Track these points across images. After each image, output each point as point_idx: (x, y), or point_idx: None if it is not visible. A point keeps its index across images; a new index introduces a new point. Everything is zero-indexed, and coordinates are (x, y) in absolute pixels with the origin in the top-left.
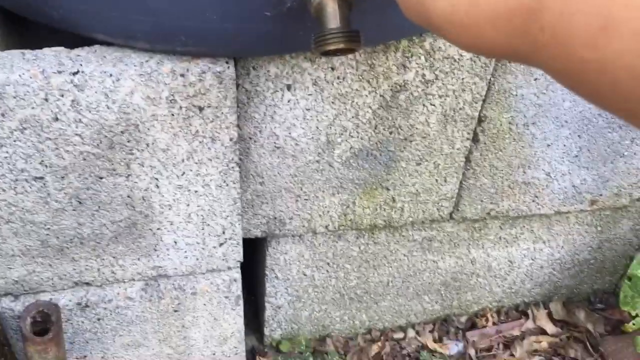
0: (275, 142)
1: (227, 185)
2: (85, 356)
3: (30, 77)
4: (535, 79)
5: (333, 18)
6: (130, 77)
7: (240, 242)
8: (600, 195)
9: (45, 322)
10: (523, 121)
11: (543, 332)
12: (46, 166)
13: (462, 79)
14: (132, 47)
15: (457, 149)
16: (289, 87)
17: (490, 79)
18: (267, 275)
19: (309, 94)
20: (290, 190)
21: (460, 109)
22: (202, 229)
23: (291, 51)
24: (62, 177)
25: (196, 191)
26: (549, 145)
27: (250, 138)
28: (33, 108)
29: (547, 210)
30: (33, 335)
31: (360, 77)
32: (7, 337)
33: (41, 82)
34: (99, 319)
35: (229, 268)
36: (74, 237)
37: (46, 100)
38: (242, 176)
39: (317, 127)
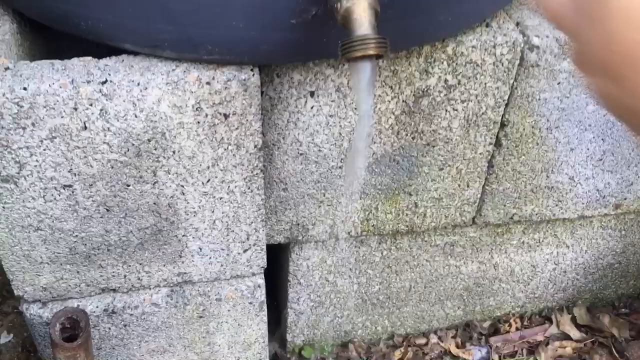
0: (298, 149)
1: (252, 191)
2: None
3: (60, 87)
4: (559, 83)
5: (360, 25)
6: (158, 86)
7: (264, 248)
8: (625, 199)
9: (74, 329)
10: (546, 125)
11: (567, 337)
12: (75, 174)
13: (485, 83)
14: (159, 56)
15: (480, 154)
16: (312, 94)
17: (512, 83)
18: (290, 282)
19: (332, 101)
20: (313, 196)
21: (482, 113)
22: (227, 235)
23: (315, 58)
24: (90, 185)
25: (221, 198)
26: (572, 149)
27: (274, 145)
28: (62, 117)
29: (571, 214)
30: (62, 342)
31: (383, 83)
32: (35, 343)
33: (70, 91)
34: (125, 325)
35: (253, 274)
36: (101, 244)
37: (75, 109)
38: (265, 183)
39: (340, 133)
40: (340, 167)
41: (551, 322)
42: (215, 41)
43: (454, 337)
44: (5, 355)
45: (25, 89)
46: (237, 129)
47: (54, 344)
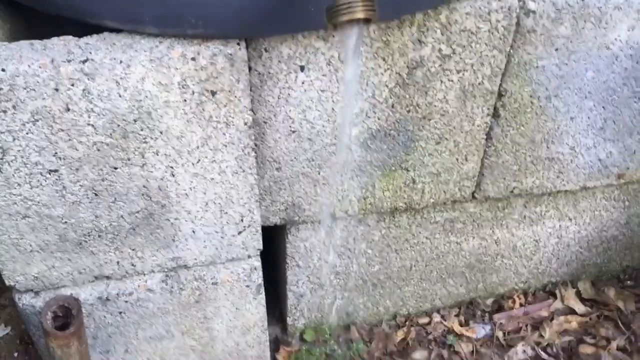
0: (290, 126)
1: (244, 171)
2: (108, 350)
3: (40, 67)
4: (557, 49)
5: None
6: (141, 63)
7: (259, 229)
8: (627, 168)
9: (66, 317)
10: (545, 94)
11: (572, 312)
12: (60, 158)
13: (481, 52)
14: (142, 32)
15: (478, 126)
16: (302, 68)
17: (509, 51)
18: (288, 264)
19: (323, 75)
20: (307, 175)
21: (479, 83)
22: (220, 218)
23: (303, 29)
24: (77, 169)
25: (212, 178)
26: (572, 119)
27: (265, 122)
28: (44, 99)
29: (573, 186)
30: (55, 330)
31: (375, 55)
32: (30, 334)
33: (51, 71)
34: (120, 313)
35: (249, 256)
36: (92, 230)
37: (57, 90)
38: (258, 162)
39: (333, 109)
40: (334, 145)
41: (555, 297)
42: (198, 14)
43: (457, 315)
44: (4, 347)
45: (3, 70)
46: (225, 106)
47: (47, 333)
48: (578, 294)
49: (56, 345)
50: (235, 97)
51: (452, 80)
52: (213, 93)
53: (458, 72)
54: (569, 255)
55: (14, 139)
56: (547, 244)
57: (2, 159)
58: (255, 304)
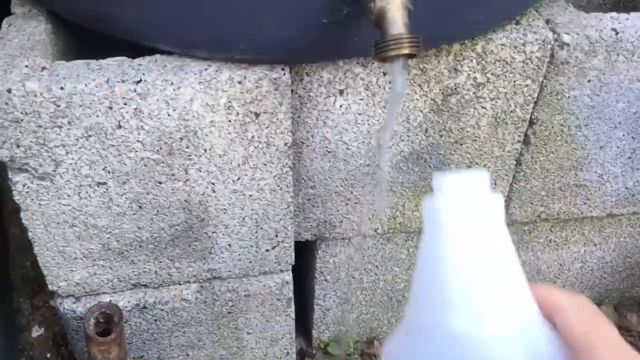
0: (327, 147)
1: (281, 189)
2: (142, 356)
3: (96, 87)
4: (589, 80)
5: (394, 24)
6: (190, 85)
7: (292, 245)
8: None
9: (107, 323)
10: (575, 123)
11: None
12: (109, 172)
13: (514, 81)
14: (192, 55)
15: (508, 152)
16: (341, 92)
17: (542, 81)
18: (316, 278)
19: (361, 99)
20: (340, 194)
21: (511, 111)
22: (256, 232)
23: (346, 57)
24: (124, 183)
25: (251, 195)
26: (601, 147)
27: (303, 143)
28: (98, 116)
29: (599, 212)
30: (97, 336)
31: (412, 82)
32: (68, 337)
33: (106, 91)
34: (156, 320)
35: (281, 271)
36: (134, 241)
37: (110, 108)
38: (294, 180)
39: (369, 131)
40: (367, 165)
41: None
42: (248, 41)
43: None
44: (37, 348)
45: (62, 88)
46: (267, 127)
47: (89, 339)
48: None
49: (97, 350)
50: (277, 119)
51: (485, 108)
52: (256, 115)
53: (491, 99)
54: (592, 280)
55: (67, 153)
56: (572, 268)
57: (54, 170)
58: (285, 316)
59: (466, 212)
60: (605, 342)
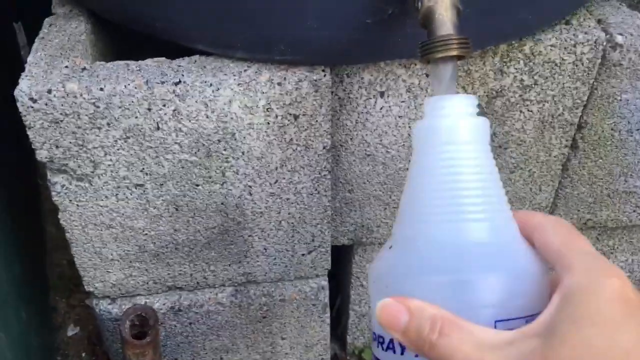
0: (366, 150)
1: (319, 193)
2: (176, 359)
3: (135, 88)
4: None
5: (442, 24)
6: (230, 87)
7: (329, 250)
8: None
9: (143, 326)
10: (627, 127)
11: None
12: (146, 174)
13: (563, 84)
14: (231, 57)
15: (554, 157)
16: (382, 94)
17: (592, 84)
18: (352, 283)
19: (402, 101)
20: (379, 197)
21: (559, 115)
22: (292, 237)
23: (389, 58)
24: (161, 185)
25: (288, 199)
26: None
27: (341, 146)
28: (137, 117)
29: None
30: (132, 339)
31: (456, 84)
32: (103, 338)
33: (145, 92)
34: (190, 323)
35: (317, 276)
36: (170, 243)
37: (149, 110)
38: (332, 184)
39: (409, 135)
40: (407, 169)
41: None
42: (288, 42)
43: None
44: (72, 347)
45: (101, 89)
46: (306, 129)
47: (124, 341)
48: None
49: (132, 353)
50: (317, 121)
51: (531, 111)
52: (296, 117)
53: (538, 102)
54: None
55: (105, 154)
56: None
57: (93, 172)
58: (320, 322)
59: (452, 132)
60: (578, 252)
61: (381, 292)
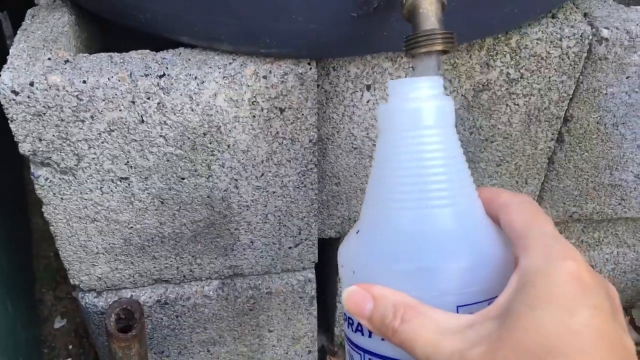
0: (352, 143)
1: (305, 186)
2: (163, 351)
3: (119, 81)
4: (627, 77)
5: (427, 19)
6: (214, 80)
7: (316, 242)
8: None
9: (128, 319)
10: (612, 121)
11: None
12: (131, 167)
13: (549, 77)
14: (216, 49)
15: (540, 150)
16: (368, 88)
17: (578, 77)
18: (339, 276)
19: (388, 94)
20: (365, 191)
21: (545, 108)
22: (279, 230)
23: (374, 52)
24: (146, 178)
25: (274, 192)
26: (639, 146)
27: (328, 139)
28: (120, 110)
29: (634, 213)
30: (118, 332)
31: (442, 77)
32: (89, 331)
33: (129, 85)
34: (177, 316)
35: (304, 268)
36: (155, 236)
37: (133, 102)
38: (318, 177)
39: None
40: None
41: None
42: (274, 35)
43: None
44: (59, 339)
45: (84, 82)
46: (292, 123)
47: (110, 335)
48: (632, 322)
49: (118, 346)
50: (303, 114)
51: (517, 104)
52: (281, 110)
53: (525, 96)
54: (624, 282)
55: (89, 147)
56: (603, 270)
57: (77, 165)
58: (307, 314)
59: (415, 117)
60: (537, 233)
61: (348, 278)
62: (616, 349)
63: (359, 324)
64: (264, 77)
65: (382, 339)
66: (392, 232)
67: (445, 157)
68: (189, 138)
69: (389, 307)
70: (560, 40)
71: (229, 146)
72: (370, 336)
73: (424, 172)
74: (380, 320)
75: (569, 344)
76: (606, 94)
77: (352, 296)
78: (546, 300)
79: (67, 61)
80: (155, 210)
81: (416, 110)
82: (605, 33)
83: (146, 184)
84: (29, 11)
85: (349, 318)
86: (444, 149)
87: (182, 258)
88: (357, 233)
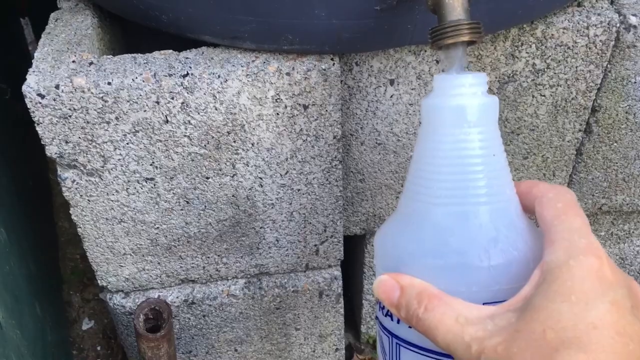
0: (376, 139)
1: (330, 183)
2: (190, 351)
3: (143, 81)
4: None
5: (453, 9)
6: (238, 78)
7: (341, 240)
8: None
9: (157, 319)
10: None
11: None
12: (156, 167)
13: (576, 67)
14: (238, 47)
15: (568, 141)
16: (392, 82)
17: (606, 66)
18: (365, 273)
19: (412, 89)
20: (390, 187)
21: (572, 99)
22: (304, 227)
23: (398, 45)
24: (171, 178)
25: (299, 190)
26: None
27: (352, 135)
28: (145, 111)
29: None
30: (146, 333)
31: (467, 69)
32: (117, 331)
33: (153, 85)
34: (204, 316)
35: (330, 266)
36: (181, 236)
37: (157, 103)
38: (343, 173)
39: (420, 122)
40: None
41: None
42: (296, 31)
43: None
44: (87, 341)
45: (109, 83)
46: (316, 119)
47: (138, 335)
48: None
49: (147, 346)
50: (326, 111)
51: (544, 95)
52: (305, 107)
53: (551, 87)
54: None
55: (115, 149)
56: (634, 262)
57: (103, 166)
58: (334, 312)
59: (460, 114)
60: (565, 227)
61: (381, 267)
62: (633, 344)
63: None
64: (287, 74)
65: (409, 326)
66: (427, 226)
67: (485, 156)
68: (213, 137)
69: (414, 296)
70: (587, 28)
71: (253, 144)
72: (398, 322)
73: (463, 170)
74: (405, 308)
75: (584, 337)
76: (635, 82)
77: (382, 284)
78: (565, 294)
79: (91, 63)
80: (181, 210)
81: (459, 107)
82: (633, 20)
83: (171, 184)
84: (53, 15)
85: (380, 302)
86: (485, 147)
87: (209, 257)
88: (393, 223)
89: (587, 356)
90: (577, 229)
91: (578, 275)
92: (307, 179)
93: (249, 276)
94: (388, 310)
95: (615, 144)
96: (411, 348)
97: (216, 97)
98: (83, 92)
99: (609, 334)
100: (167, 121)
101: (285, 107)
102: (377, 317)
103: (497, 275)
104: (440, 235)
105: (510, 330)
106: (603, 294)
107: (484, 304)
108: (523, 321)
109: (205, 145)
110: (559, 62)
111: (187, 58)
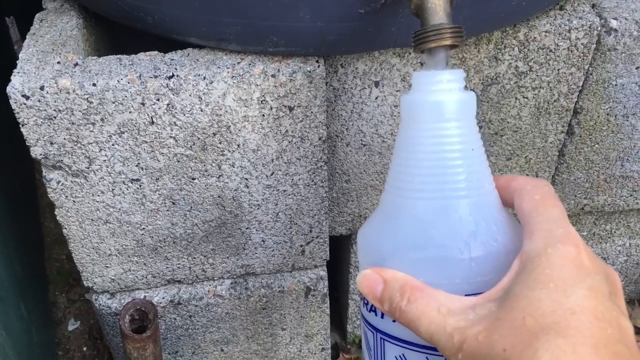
0: (362, 140)
1: (315, 184)
2: (176, 351)
3: (128, 82)
4: (637, 68)
5: (435, 13)
6: (223, 80)
7: (327, 240)
8: None
9: (142, 320)
10: (622, 112)
11: (639, 331)
12: (142, 168)
13: (558, 69)
14: (224, 49)
15: (550, 143)
16: (376, 84)
17: (588, 69)
18: (351, 273)
19: (397, 90)
20: (376, 187)
21: (554, 101)
22: (290, 228)
23: (382, 48)
24: (157, 179)
25: (284, 190)
26: None
27: (337, 136)
28: (130, 112)
29: None
30: (132, 333)
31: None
32: (103, 332)
33: (138, 87)
34: (190, 316)
35: (316, 266)
36: (167, 237)
37: (143, 104)
38: (328, 174)
39: None
40: None
41: None
42: (281, 33)
43: None
44: (73, 342)
45: (94, 84)
46: (301, 121)
47: (124, 335)
48: None
49: (132, 347)
50: (312, 112)
51: (526, 97)
52: (290, 109)
53: (534, 89)
54: (637, 274)
55: (100, 150)
56: (616, 262)
57: (88, 167)
58: (320, 312)
59: (438, 107)
60: (543, 218)
61: (364, 262)
62: (611, 329)
63: (372, 304)
64: (273, 75)
65: (393, 320)
66: (408, 220)
67: (464, 150)
68: (198, 138)
69: (397, 289)
70: (569, 32)
71: (238, 146)
72: (382, 317)
73: (442, 164)
74: (389, 301)
75: (563, 322)
76: (616, 85)
77: (365, 279)
78: (544, 282)
79: (76, 64)
80: (167, 211)
81: (438, 103)
82: (614, 24)
83: (157, 185)
84: (38, 15)
85: (364, 298)
86: (463, 141)
87: (195, 258)
88: (375, 219)
89: (566, 341)
90: (555, 219)
91: (556, 263)
92: (292, 180)
93: (235, 276)
94: (372, 306)
95: (596, 146)
96: (395, 342)
97: (202, 99)
98: (68, 93)
99: (587, 319)
100: (152, 122)
101: (271, 108)
102: (361, 314)
103: (478, 267)
104: (422, 228)
105: (491, 319)
106: (581, 280)
107: (466, 295)
108: (503, 310)
109: (191, 147)
110: (542, 64)
111: (172, 59)
